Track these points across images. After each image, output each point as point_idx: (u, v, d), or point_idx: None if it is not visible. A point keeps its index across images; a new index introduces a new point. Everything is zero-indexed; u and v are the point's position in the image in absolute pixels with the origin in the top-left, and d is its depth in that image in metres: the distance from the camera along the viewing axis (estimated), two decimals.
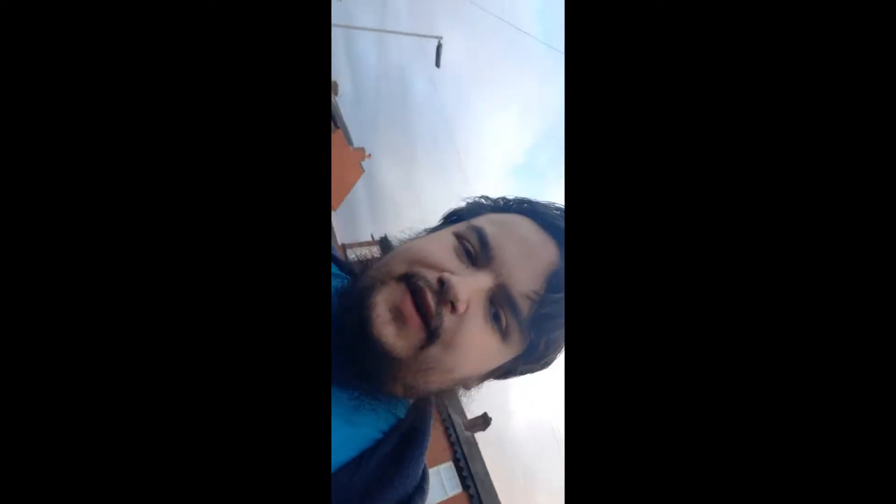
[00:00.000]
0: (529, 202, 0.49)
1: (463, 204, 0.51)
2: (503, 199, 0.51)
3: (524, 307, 0.42)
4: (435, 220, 0.51)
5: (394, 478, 0.40)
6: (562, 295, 0.44)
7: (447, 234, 0.44)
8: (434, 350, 0.39)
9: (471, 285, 0.40)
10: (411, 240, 0.46)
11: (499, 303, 0.42)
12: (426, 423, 0.45)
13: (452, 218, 0.49)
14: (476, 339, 0.41)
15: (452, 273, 0.40)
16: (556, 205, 0.48)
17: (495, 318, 0.42)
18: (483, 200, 0.51)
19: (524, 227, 0.46)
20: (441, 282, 0.39)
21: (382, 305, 0.39)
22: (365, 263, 0.47)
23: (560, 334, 0.46)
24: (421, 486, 0.43)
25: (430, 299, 0.39)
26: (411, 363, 0.39)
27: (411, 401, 0.44)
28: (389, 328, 0.38)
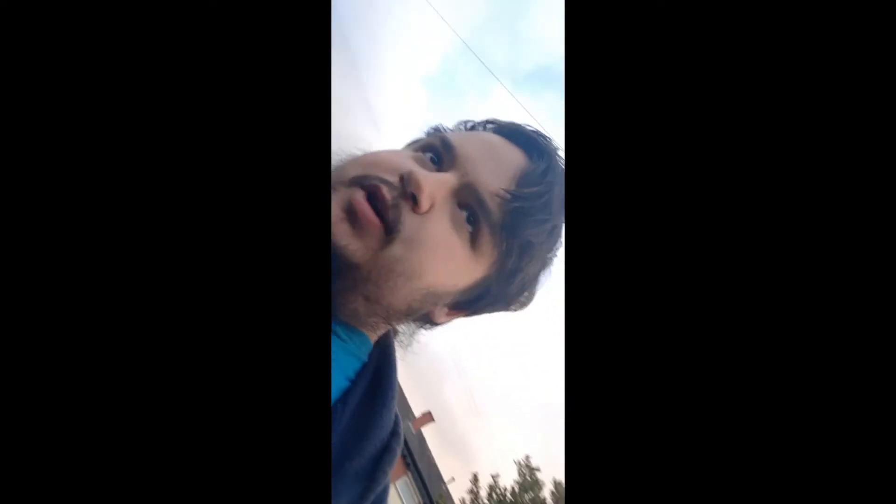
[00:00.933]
0: (495, 122, 0.46)
1: (423, 135, 0.47)
2: (464, 122, 0.48)
3: (493, 207, 0.39)
4: None
5: (368, 429, 0.37)
6: (534, 189, 0.41)
7: (406, 150, 0.42)
8: (395, 249, 0.35)
9: (435, 181, 0.36)
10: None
11: (467, 203, 0.39)
12: (391, 366, 0.42)
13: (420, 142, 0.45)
14: (442, 240, 0.37)
15: (409, 170, 0.36)
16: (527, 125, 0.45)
17: (468, 220, 0.39)
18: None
19: (487, 134, 0.44)
20: (402, 179, 0.36)
21: (334, 207, 0.35)
22: None
23: (537, 259, 0.43)
24: (396, 431, 0.40)
25: (387, 193, 0.35)
26: (371, 268, 0.35)
27: (373, 341, 0.41)
28: (342, 227, 0.34)
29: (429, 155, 0.40)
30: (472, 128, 0.46)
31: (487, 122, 0.46)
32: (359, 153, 0.40)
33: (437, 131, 0.45)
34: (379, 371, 0.41)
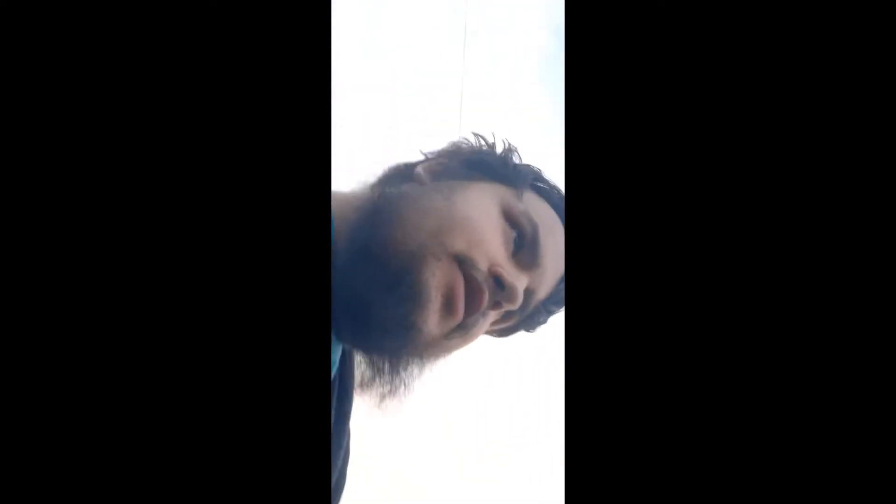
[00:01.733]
0: (558, 189, 0.47)
1: (488, 147, 0.47)
2: (532, 169, 0.47)
3: (529, 308, 0.42)
4: None
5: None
6: (556, 309, 0.46)
7: (496, 210, 0.40)
8: (455, 340, 0.38)
9: (520, 290, 0.38)
10: (452, 190, 0.40)
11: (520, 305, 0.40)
12: (350, 380, 0.43)
13: (491, 169, 0.44)
14: (481, 332, 0.40)
15: (504, 266, 0.38)
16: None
17: (507, 312, 0.41)
18: (510, 153, 0.47)
19: (558, 233, 0.44)
20: (498, 280, 0.37)
21: (436, 291, 0.35)
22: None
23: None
24: (347, 449, 0.42)
25: (486, 301, 0.36)
26: (427, 341, 0.36)
27: (339, 351, 0.41)
28: (435, 317, 0.35)
29: (514, 234, 0.40)
30: (542, 185, 0.47)
31: (553, 187, 0.47)
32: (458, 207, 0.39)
33: (509, 164, 0.45)
34: (342, 384, 0.42)
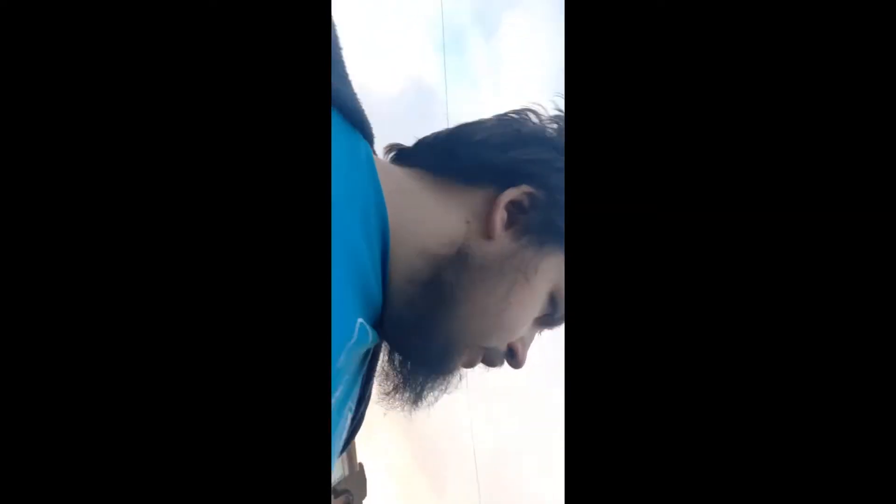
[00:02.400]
0: None
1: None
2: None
3: None
4: None
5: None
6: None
7: (545, 296, 0.42)
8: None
9: (527, 352, 0.44)
10: (513, 286, 0.40)
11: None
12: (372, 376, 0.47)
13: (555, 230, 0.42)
14: None
15: (521, 342, 0.43)
16: None
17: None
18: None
19: None
20: (511, 352, 0.43)
21: (458, 367, 0.43)
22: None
23: None
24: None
25: (498, 367, 0.43)
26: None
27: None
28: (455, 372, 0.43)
29: (549, 311, 0.43)
30: None
31: None
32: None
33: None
34: (370, 370, 0.45)
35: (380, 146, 0.44)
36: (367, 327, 0.37)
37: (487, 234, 0.40)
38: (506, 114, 0.44)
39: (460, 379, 0.45)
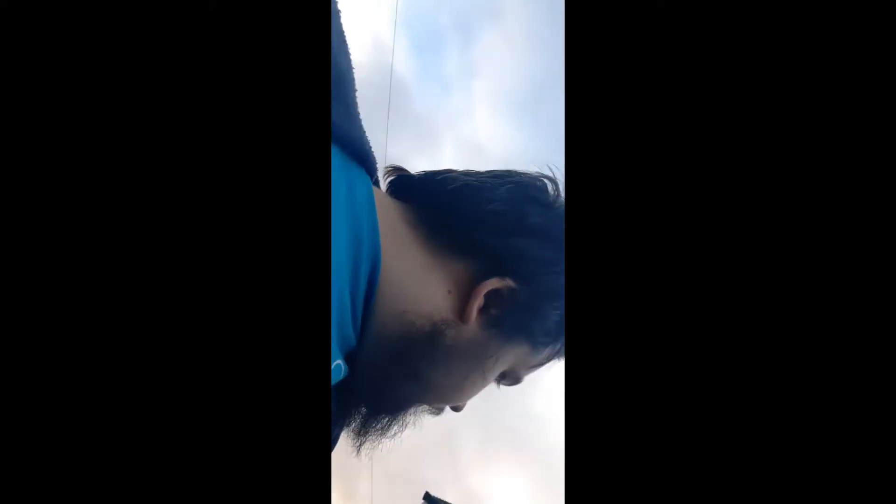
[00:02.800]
0: None
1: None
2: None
3: None
4: None
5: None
6: None
7: (498, 372, 0.45)
8: None
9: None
10: (489, 365, 0.43)
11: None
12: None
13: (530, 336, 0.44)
14: None
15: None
16: None
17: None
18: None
19: None
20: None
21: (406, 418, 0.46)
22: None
23: None
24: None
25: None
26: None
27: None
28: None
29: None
30: None
31: None
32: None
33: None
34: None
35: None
36: (343, 365, 0.37)
37: (462, 316, 0.40)
38: (522, 175, 0.43)
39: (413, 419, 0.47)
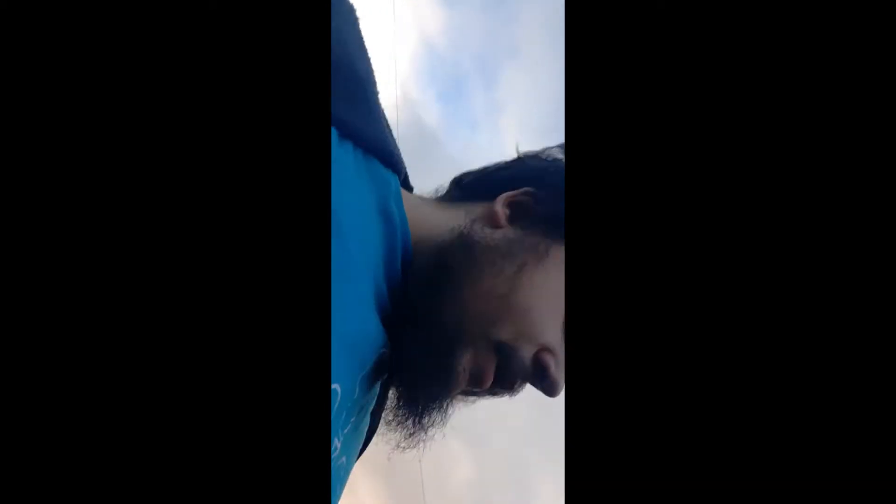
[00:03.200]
0: None
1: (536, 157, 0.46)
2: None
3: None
4: None
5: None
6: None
7: (562, 280, 0.37)
8: (473, 396, 0.40)
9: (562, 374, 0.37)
10: (523, 268, 0.37)
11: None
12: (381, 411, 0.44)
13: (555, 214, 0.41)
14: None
15: (555, 352, 0.36)
16: None
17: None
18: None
19: None
20: (541, 369, 0.36)
21: (465, 370, 0.36)
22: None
23: None
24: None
25: (517, 386, 0.37)
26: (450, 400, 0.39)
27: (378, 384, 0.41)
28: (461, 385, 0.37)
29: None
30: None
31: None
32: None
33: None
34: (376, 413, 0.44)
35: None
36: (338, 389, 0.35)
37: (492, 223, 0.39)
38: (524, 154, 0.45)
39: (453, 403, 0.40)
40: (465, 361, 0.35)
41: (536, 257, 0.38)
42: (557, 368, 0.36)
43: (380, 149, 0.38)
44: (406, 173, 0.43)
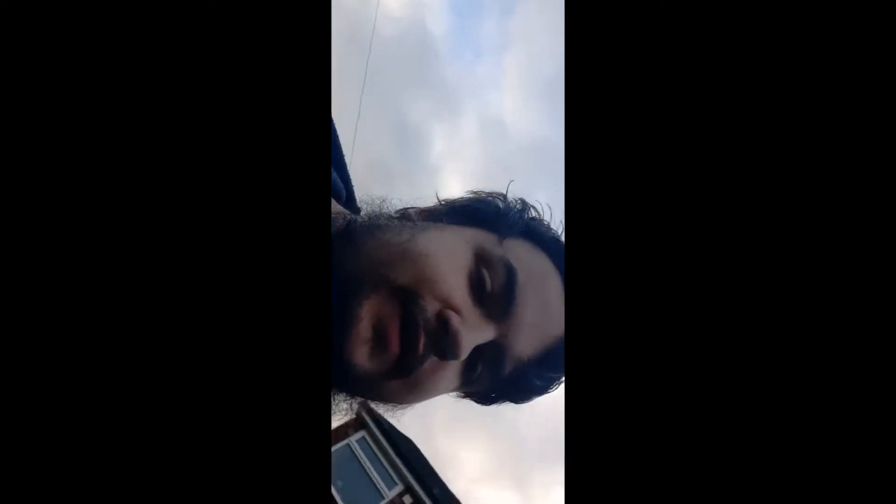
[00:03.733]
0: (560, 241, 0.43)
1: (490, 198, 0.44)
2: (518, 201, 0.45)
3: (508, 368, 0.38)
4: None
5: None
6: (555, 376, 0.41)
7: (467, 251, 0.37)
8: (396, 384, 0.35)
9: (474, 339, 0.35)
10: (423, 230, 0.38)
11: (485, 357, 0.37)
12: None
13: (478, 215, 0.42)
14: (442, 384, 0.37)
15: (459, 311, 0.34)
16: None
17: (471, 367, 0.37)
18: (514, 204, 0.44)
19: (553, 286, 0.39)
20: (444, 324, 0.33)
21: (366, 321, 0.33)
22: (372, 218, 0.39)
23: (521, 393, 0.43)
24: None
25: (422, 343, 0.33)
26: (364, 382, 0.35)
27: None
28: (363, 349, 0.33)
29: (487, 281, 0.36)
30: (539, 234, 0.42)
31: (557, 238, 0.43)
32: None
33: (504, 212, 0.42)
34: None
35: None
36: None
37: (404, 216, 0.43)
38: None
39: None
40: (367, 307, 0.33)
41: (438, 226, 0.39)
42: (462, 326, 0.34)
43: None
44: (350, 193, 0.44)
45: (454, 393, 0.42)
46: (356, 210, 0.45)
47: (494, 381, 0.39)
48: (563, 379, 0.42)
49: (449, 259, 0.36)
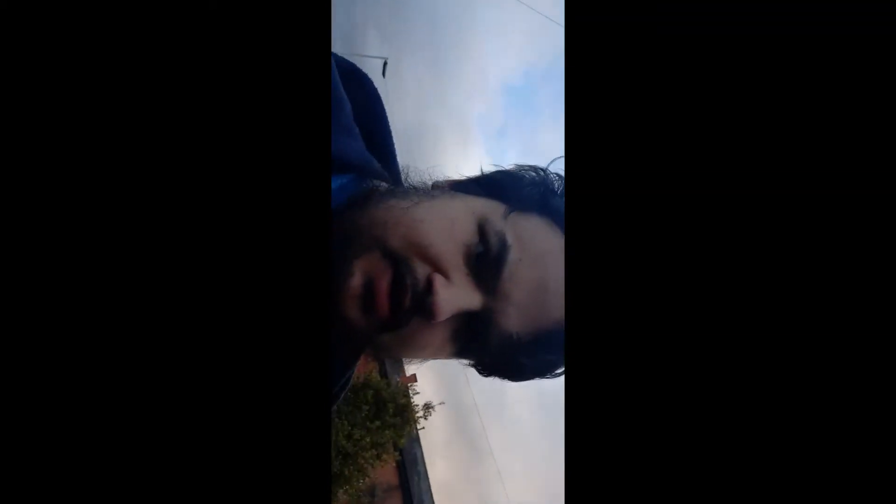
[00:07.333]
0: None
1: (511, 167, 0.45)
2: (556, 176, 0.44)
3: (494, 341, 0.38)
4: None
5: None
6: (552, 358, 0.41)
7: (470, 220, 0.38)
8: (386, 338, 0.37)
9: (457, 303, 0.36)
10: (432, 197, 0.40)
11: (472, 326, 0.38)
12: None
13: (495, 186, 0.42)
14: (432, 344, 0.38)
15: (448, 276, 0.36)
16: None
17: (459, 333, 0.38)
18: (534, 173, 0.44)
19: (554, 266, 0.39)
20: (429, 285, 0.35)
21: (358, 277, 0.35)
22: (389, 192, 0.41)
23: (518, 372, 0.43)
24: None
25: (408, 300, 0.35)
26: (358, 335, 0.37)
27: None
28: (353, 304, 0.35)
29: (479, 248, 0.37)
30: (554, 205, 0.42)
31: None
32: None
33: (520, 183, 0.42)
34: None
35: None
36: None
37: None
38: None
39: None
40: (359, 264, 0.36)
41: (449, 194, 0.41)
42: (444, 289, 0.35)
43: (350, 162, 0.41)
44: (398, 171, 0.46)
45: (464, 361, 0.44)
46: (397, 180, 0.46)
47: (484, 351, 0.40)
48: (563, 366, 0.43)
49: (447, 226, 0.38)
